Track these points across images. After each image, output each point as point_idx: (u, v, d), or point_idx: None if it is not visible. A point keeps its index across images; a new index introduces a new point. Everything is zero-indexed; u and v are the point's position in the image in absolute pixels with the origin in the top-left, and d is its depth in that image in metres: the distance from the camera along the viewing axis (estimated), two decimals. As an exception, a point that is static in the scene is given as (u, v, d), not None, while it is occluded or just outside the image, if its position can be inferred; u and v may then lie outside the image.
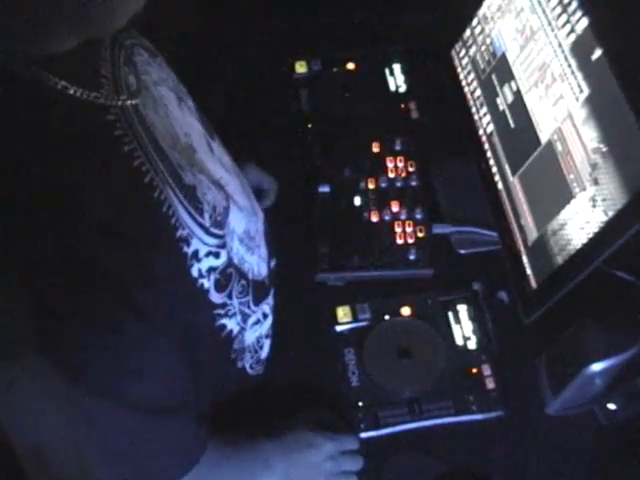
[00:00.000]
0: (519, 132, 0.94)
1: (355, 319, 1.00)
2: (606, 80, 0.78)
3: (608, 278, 0.89)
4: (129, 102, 0.66)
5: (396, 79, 1.22)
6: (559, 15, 0.87)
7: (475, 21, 1.06)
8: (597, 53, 0.80)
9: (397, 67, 1.22)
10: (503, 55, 0.99)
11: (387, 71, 1.22)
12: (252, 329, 0.83)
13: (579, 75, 0.83)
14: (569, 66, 0.85)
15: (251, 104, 1.18)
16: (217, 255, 0.72)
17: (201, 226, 0.69)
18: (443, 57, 1.14)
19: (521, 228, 0.92)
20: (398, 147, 1.14)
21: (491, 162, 1.00)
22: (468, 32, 1.08)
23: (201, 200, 0.71)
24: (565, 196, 0.84)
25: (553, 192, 0.86)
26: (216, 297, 0.72)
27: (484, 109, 1.03)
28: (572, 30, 0.84)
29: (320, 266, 1.04)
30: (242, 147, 0.95)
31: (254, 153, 1.09)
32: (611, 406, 0.90)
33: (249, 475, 0.85)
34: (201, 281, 0.69)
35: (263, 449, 0.86)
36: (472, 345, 0.98)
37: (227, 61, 1.22)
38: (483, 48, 1.04)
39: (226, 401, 0.85)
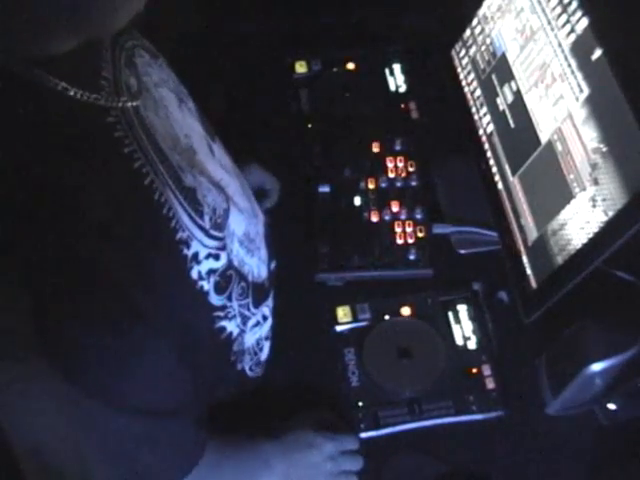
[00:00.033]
0: (519, 132, 0.94)
1: (355, 319, 1.00)
2: (606, 80, 0.78)
3: (608, 278, 0.89)
4: (129, 104, 0.66)
5: (396, 79, 1.22)
6: (559, 15, 0.87)
7: (475, 21, 1.06)
8: (597, 53, 0.80)
9: (397, 67, 1.23)
10: (503, 55, 0.99)
11: (387, 71, 1.22)
12: (252, 331, 0.82)
13: (579, 75, 0.83)
14: (569, 66, 0.85)
15: (251, 104, 1.18)
16: (217, 257, 0.72)
17: (201, 228, 0.69)
18: (443, 57, 1.14)
19: (521, 228, 0.92)
20: (398, 147, 1.14)
21: (491, 162, 1.00)
22: (468, 32, 1.08)
23: (201, 202, 0.70)
24: (565, 196, 0.84)
25: (553, 192, 0.86)
26: (216, 299, 0.72)
27: (484, 109, 1.03)
28: (572, 30, 0.84)
29: (320, 266, 1.04)
30: (242, 147, 0.95)
31: (254, 153, 1.09)
32: (611, 406, 0.90)
33: (249, 475, 0.85)
34: (201, 283, 0.69)
35: (263, 449, 0.86)
36: (472, 345, 0.98)
37: (227, 61, 1.22)
38: (483, 48, 1.04)
39: (226, 402, 0.85)
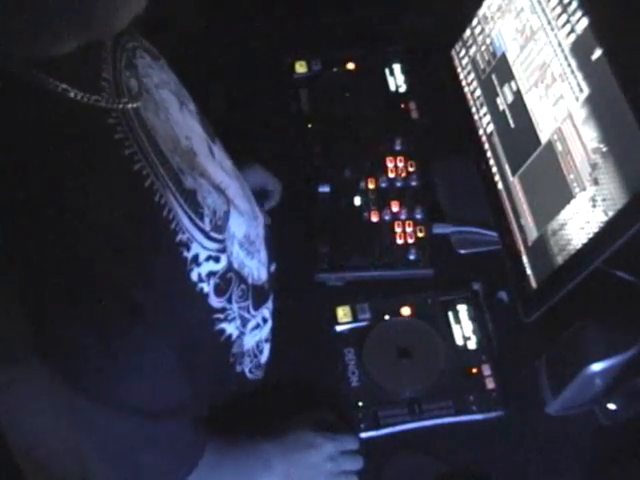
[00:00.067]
0: (519, 132, 0.94)
1: (355, 319, 1.00)
2: (606, 80, 0.78)
3: (608, 278, 0.89)
4: (130, 105, 0.66)
5: (396, 79, 1.22)
6: (559, 15, 0.87)
7: (475, 21, 1.06)
8: (597, 53, 0.80)
9: (397, 67, 1.22)
10: (503, 55, 0.99)
11: (387, 71, 1.22)
12: (251, 334, 0.82)
13: (579, 75, 0.83)
14: (569, 66, 0.85)
15: (251, 104, 1.18)
16: (217, 259, 0.72)
17: (201, 230, 0.69)
18: (443, 57, 1.14)
19: (521, 228, 0.92)
20: (398, 147, 1.14)
21: (491, 162, 1.00)
22: (468, 32, 1.08)
23: (201, 204, 0.70)
24: (565, 196, 0.84)
25: (553, 192, 0.86)
26: (215, 301, 0.72)
27: (484, 109, 1.03)
28: (572, 30, 0.84)
29: (320, 266, 1.04)
30: (242, 147, 0.95)
31: (254, 153, 1.09)
32: (611, 406, 0.90)
33: (249, 476, 0.85)
34: (201, 285, 0.69)
35: (263, 450, 0.86)
36: (472, 345, 0.98)
37: (227, 61, 1.22)
38: (483, 48, 1.04)
39: (226, 402, 0.85)
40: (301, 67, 1.23)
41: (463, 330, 0.99)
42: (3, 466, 0.64)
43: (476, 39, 1.06)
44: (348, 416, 0.93)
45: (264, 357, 0.89)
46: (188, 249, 0.67)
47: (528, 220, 0.91)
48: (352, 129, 1.16)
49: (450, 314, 1.00)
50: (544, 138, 0.89)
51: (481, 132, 1.03)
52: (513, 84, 0.96)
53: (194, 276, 0.68)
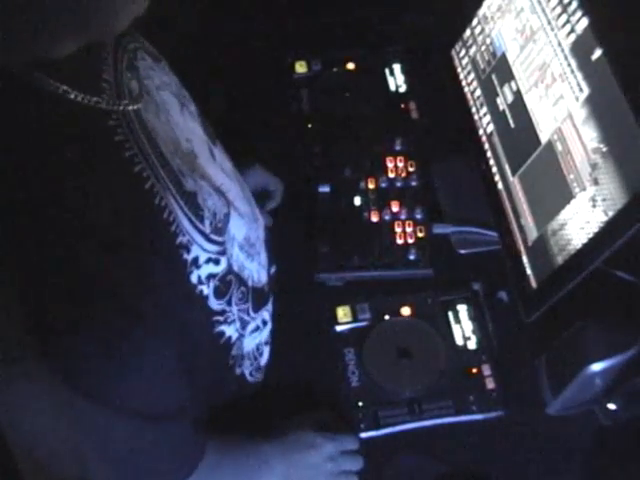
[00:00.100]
0: (519, 132, 0.94)
1: (355, 319, 1.00)
2: (606, 80, 0.78)
3: (608, 278, 0.89)
4: (131, 107, 0.66)
5: (396, 79, 1.22)
6: (559, 15, 0.87)
7: (475, 21, 1.06)
8: (597, 53, 0.80)
9: (397, 67, 1.22)
10: (503, 55, 0.99)
11: (387, 71, 1.22)
12: (251, 336, 0.82)
13: (579, 75, 0.83)
14: (569, 66, 0.85)
15: (251, 104, 1.18)
16: (217, 262, 0.72)
17: (201, 233, 0.69)
18: (443, 57, 1.14)
19: (521, 228, 0.92)
20: (398, 147, 1.14)
21: (491, 162, 1.00)
22: (468, 32, 1.08)
23: (202, 206, 0.70)
24: (565, 196, 0.84)
25: (553, 192, 0.86)
26: (215, 304, 0.72)
27: (484, 109, 1.03)
28: (572, 30, 0.84)
29: (320, 266, 1.04)
30: (242, 147, 0.95)
31: (254, 153, 1.09)
32: (611, 406, 0.90)
33: (249, 476, 0.85)
34: (200, 287, 0.69)
35: (263, 450, 0.86)
36: (472, 345, 0.98)
37: (227, 61, 1.22)
38: (483, 48, 1.04)
39: (226, 403, 0.85)
40: (301, 67, 1.23)
41: (463, 330, 0.99)
42: (3, 466, 0.64)
43: (476, 39, 1.06)
44: (348, 416, 0.93)
45: (264, 360, 0.89)
46: (188, 251, 0.67)
47: (528, 220, 0.91)
48: (352, 129, 1.16)
49: (450, 314, 1.00)
50: (544, 138, 0.89)
51: (481, 132, 1.03)
52: (513, 84, 0.96)
53: (194, 278, 0.68)
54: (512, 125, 0.96)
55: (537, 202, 0.90)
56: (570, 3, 0.85)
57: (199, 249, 0.68)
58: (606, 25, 0.80)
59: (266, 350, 0.89)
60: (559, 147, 0.86)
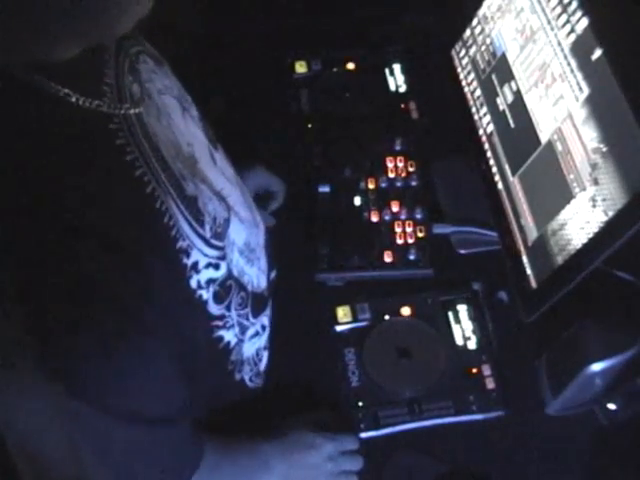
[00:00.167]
0: (519, 132, 0.94)
1: (355, 319, 1.00)
2: (606, 80, 0.78)
3: (608, 278, 0.89)
4: (132, 111, 0.65)
5: (396, 79, 1.22)
6: (559, 15, 0.87)
7: (475, 21, 1.06)
8: (597, 53, 0.80)
9: (397, 67, 1.23)
10: (503, 55, 0.99)
11: (387, 71, 1.22)
12: (251, 341, 0.82)
13: (579, 75, 0.83)
14: (569, 66, 0.85)
15: (251, 104, 1.18)
16: (217, 267, 0.71)
17: (201, 237, 0.69)
18: (443, 57, 1.14)
19: (521, 228, 0.92)
20: (398, 147, 1.14)
21: (491, 162, 1.00)
22: (468, 32, 1.08)
23: (202, 211, 0.70)
24: (565, 196, 0.84)
25: (553, 192, 0.86)
26: (215, 309, 0.72)
27: (484, 109, 1.03)
28: (572, 30, 0.84)
29: (320, 266, 1.04)
30: (242, 147, 0.95)
31: (254, 153, 1.09)
32: (611, 406, 0.90)
33: (248, 477, 0.85)
34: (200, 292, 0.69)
35: (262, 450, 0.86)
36: (472, 345, 0.98)
37: (227, 61, 1.22)
38: (483, 48, 1.04)
39: (225, 407, 0.85)
40: (301, 67, 1.23)
41: (463, 330, 0.99)
42: (1, 468, 0.64)
43: (476, 39, 1.06)
44: (348, 416, 0.93)
45: (263, 365, 0.89)
46: (188, 256, 0.66)
47: (528, 220, 0.91)
48: (352, 129, 1.16)
49: (450, 314, 1.00)
50: (544, 138, 0.89)
51: (481, 132, 1.03)
52: (513, 84, 0.96)
53: (193, 283, 0.67)
54: (512, 125, 0.96)
55: (537, 202, 0.90)
56: (570, 3, 0.85)
57: (199, 254, 0.68)
58: (606, 25, 0.80)
59: (265, 355, 0.89)
60: (559, 147, 0.86)
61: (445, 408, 0.93)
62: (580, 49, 0.83)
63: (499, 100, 0.99)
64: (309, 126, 1.18)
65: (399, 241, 1.06)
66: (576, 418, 0.92)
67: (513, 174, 0.94)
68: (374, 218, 1.08)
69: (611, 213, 0.77)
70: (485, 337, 0.98)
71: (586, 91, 0.82)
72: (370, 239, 1.06)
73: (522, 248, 0.92)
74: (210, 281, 0.70)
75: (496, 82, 1.00)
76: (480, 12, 1.05)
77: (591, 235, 0.79)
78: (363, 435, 0.92)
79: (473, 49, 1.06)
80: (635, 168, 0.74)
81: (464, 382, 0.95)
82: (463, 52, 1.09)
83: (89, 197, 0.58)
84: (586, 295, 0.83)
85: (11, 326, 0.55)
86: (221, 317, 0.73)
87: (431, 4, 1.22)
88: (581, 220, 0.81)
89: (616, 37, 0.79)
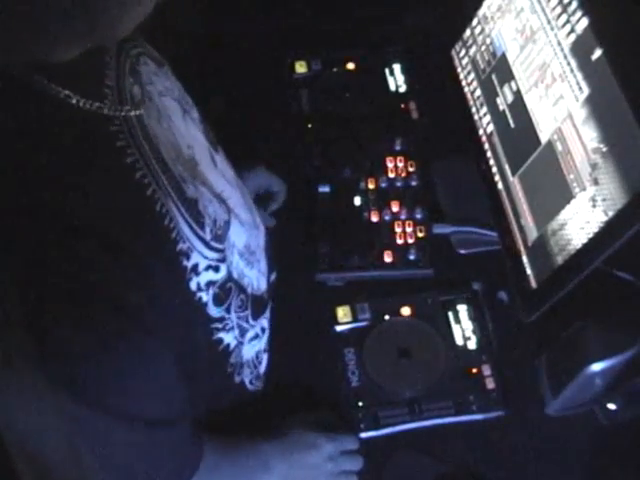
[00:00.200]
0: (519, 132, 0.94)
1: (355, 319, 1.00)
2: (606, 80, 0.78)
3: (608, 278, 0.89)
4: (132, 113, 0.65)
5: (396, 79, 1.22)
6: (559, 15, 0.87)
7: (475, 21, 1.06)
8: (597, 53, 0.80)
9: (397, 67, 1.22)
10: (503, 55, 0.98)
11: (387, 71, 1.22)
12: (250, 344, 0.82)
13: (579, 75, 0.83)
14: (569, 66, 0.85)
15: (251, 104, 1.18)
16: (217, 269, 0.71)
17: (201, 240, 0.69)
18: (443, 57, 1.14)
19: (521, 228, 0.92)
20: (398, 147, 1.14)
21: (491, 162, 1.00)
22: (468, 32, 1.08)
23: (202, 213, 0.70)
24: (565, 196, 0.84)
25: (553, 192, 0.86)
26: (214, 311, 0.72)
27: (484, 109, 1.03)
28: (572, 30, 0.84)
29: (320, 266, 1.04)
30: (242, 147, 0.95)
31: (254, 153, 1.09)
32: (611, 406, 0.90)
33: (248, 477, 0.85)
34: (199, 295, 0.69)
35: (262, 450, 0.86)
36: (472, 345, 0.98)
37: (227, 61, 1.22)
38: (483, 48, 1.04)
39: (225, 410, 0.85)
40: (301, 67, 1.23)
41: (463, 330, 0.99)
42: (1, 469, 0.64)
43: (476, 39, 1.06)
44: (348, 416, 0.93)
45: (263, 367, 0.89)
46: (188, 258, 0.66)
47: (528, 220, 0.91)
48: (352, 129, 1.16)
49: (450, 314, 1.00)
50: (544, 138, 0.89)
51: (481, 132, 1.03)
52: (513, 84, 0.96)
53: (193, 285, 0.67)
54: (512, 125, 0.96)
55: (537, 202, 0.90)
56: (570, 3, 0.85)
57: (199, 256, 0.68)
58: (606, 25, 0.80)
59: (265, 358, 0.89)
60: (559, 147, 0.86)
61: (445, 408, 0.93)
62: (580, 49, 0.83)
63: (499, 100, 0.99)
64: (309, 126, 1.17)
65: (399, 241, 1.06)
66: (576, 418, 0.92)
67: (513, 174, 0.94)
68: (374, 218, 1.08)
69: (611, 213, 0.77)
70: (485, 337, 0.98)
71: (586, 91, 0.82)
72: (370, 239, 1.06)
73: (522, 248, 0.92)
74: (210, 283, 0.70)
75: (496, 82, 1.00)
76: (480, 12, 1.05)
77: (591, 235, 0.79)
78: (363, 435, 0.92)
79: (473, 49, 1.06)
80: (635, 168, 0.74)
81: (464, 382, 0.95)
82: (463, 52, 1.09)
83: (89, 197, 0.58)
84: (586, 295, 0.83)
85: (11, 326, 0.55)
86: (221, 319, 0.73)
87: (431, 4, 1.22)
88: (581, 220, 0.81)
89: (616, 37, 0.79)
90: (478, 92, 1.05)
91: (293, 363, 0.95)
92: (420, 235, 1.06)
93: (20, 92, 0.57)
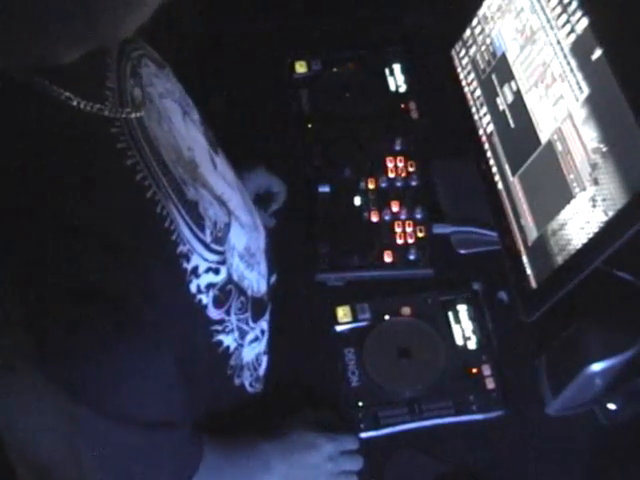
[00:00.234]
0: (519, 132, 0.94)
1: (355, 319, 1.00)
2: (606, 80, 0.78)
3: (608, 278, 0.89)
4: (133, 115, 0.65)
5: (396, 79, 1.22)
6: (559, 15, 0.87)
7: (475, 21, 1.06)
8: (597, 53, 0.80)
9: (397, 67, 1.22)
10: (503, 55, 0.99)
11: (387, 71, 1.22)
12: (250, 346, 0.82)
13: (579, 75, 0.83)
14: (569, 66, 0.85)
15: (251, 104, 1.18)
16: (217, 271, 0.71)
17: (202, 242, 0.69)
18: (443, 57, 1.14)
19: (521, 228, 0.92)
20: (398, 147, 1.14)
21: (491, 162, 1.00)
22: (468, 32, 1.08)
23: (203, 216, 0.70)
24: (565, 196, 0.84)
25: (553, 192, 0.86)
26: (214, 313, 0.72)
27: (484, 109, 1.03)
28: (572, 30, 0.84)
29: (320, 266, 1.04)
30: (242, 148, 0.95)
31: (254, 153, 1.09)
32: (611, 406, 0.90)
33: (248, 477, 0.85)
34: (199, 297, 0.69)
35: (262, 450, 0.86)
36: (472, 345, 0.98)
37: (227, 61, 1.22)
38: (483, 48, 1.04)
39: (225, 412, 0.85)
40: (301, 67, 1.23)
41: (463, 330, 0.99)
42: (1, 470, 0.64)
43: (476, 39, 1.06)
44: (348, 416, 0.93)
45: (262, 369, 0.89)
46: (188, 260, 0.66)
47: (528, 220, 0.91)
48: (352, 129, 1.16)
49: (450, 314, 1.00)
50: (544, 138, 0.89)
51: (481, 132, 1.03)
52: (513, 84, 0.96)
53: (193, 287, 0.67)
54: (512, 125, 0.96)
55: (537, 202, 0.90)
56: (570, 3, 0.85)
57: (199, 258, 0.68)
58: (606, 25, 0.80)
59: (265, 360, 0.89)
60: (559, 147, 0.86)
61: (445, 408, 0.93)
62: (580, 49, 0.83)
63: (499, 100, 0.99)
64: (309, 126, 1.18)
65: (399, 241, 1.06)
66: (576, 418, 0.92)
67: (513, 174, 0.94)
68: (374, 218, 1.08)
69: (611, 213, 0.77)
70: (485, 337, 0.98)
71: (586, 91, 0.82)
72: (370, 239, 1.06)
73: (522, 248, 0.92)
74: (210, 286, 0.70)
75: (496, 82, 1.00)
76: (480, 12, 1.05)
77: (591, 235, 0.79)
78: (363, 435, 0.92)
79: (473, 49, 1.06)
80: (635, 168, 0.74)
81: (464, 382, 0.95)
82: (463, 52, 1.09)
83: (89, 198, 0.58)
84: (586, 295, 0.83)
85: (11, 326, 0.55)
86: (220, 322, 0.73)
87: (431, 4, 1.22)
88: (581, 220, 0.81)
89: (616, 37, 0.79)
90: (478, 92, 1.05)
91: (293, 363, 0.95)
92: (420, 235, 1.06)
93: (21, 93, 0.57)
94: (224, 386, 0.81)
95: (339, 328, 0.99)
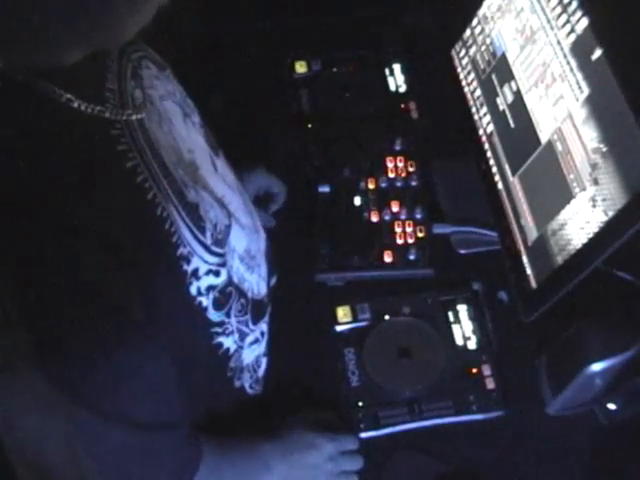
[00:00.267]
0: (519, 132, 0.94)
1: (355, 319, 1.00)
2: (606, 80, 0.78)
3: (608, 278, 0.89)
4: (134, 117, 0.65)
5: (396, 79, 1.22)
6: (559, 15, 0.87)
7: (475, 21, 1.06)
8: (597, 53, 0.80)
9: (397, 67, 1.22)
10: (503, 55, 0.98)
11: (387, 71, 1.22)
12: (250, 348, 0.82)
13: (579, 75, 0.83)
14: (569, 65, 0.85)
15: (251, 104, 1.18)
16: (217, 273, 0.71)
17: (202, 244, 0.69)
18: (443, 57, 1.14)
19: (521, 228, 0.92)
20: (398, 147, 1.14)
21: (491, 162, 1.00)
22: (468, 32, 1.08)
23: (203, 218, 0.70)
24: (565, 196, 0.84)
25: (553, 192, 0.86)
26: (214, 315, 0.72)
27: (484, 109, 1.03)
28: (572, 30, 0.84)
29: (320, 266, 1.04)
30: (241, 148, 0.95)
31: (254, 154, 1.09)
32: (611, 406, 0.90)
33: (249, 477, 0.85)
34: (199, 299, 0.69)
35: (262, 450, 0.86)
36: (472, 345, 0.98)
37: (227, 61, 1.22)
38: (483, 48, 1.04)
39: (225, 414, 0.85)
40: (301, 67, 1.23)
41: (463, 330, 0.99)
42: (1, 471, 0.64)
43: (476, 39, 1.06)
44: (348, 416, 0.93)
45: (262, 371, 0.89)
46: (188, 262, 0.66)
47: (528, 220, 0.91)
48: (352, 129, 1.16)
49: (450, 314, 1.00)
50: (544, 138, 0.89)
51: (481, 132, 1.03)
52: (513, 84, 0.96)
53: (193, 290, 0.67)
54: (512, 125, 0.96)
55: (537, 202, 0.90)
56: (570, 3, 0.85)
57: (199, 260, 0.68)
58: (606, 25, 0.80)
59: (264, 362, 0.89)
60: (559, 147, 0.86)
61: (445, 408, 0.93)
62: (580, 49, 0.83)
63: (499, 100, 0.99)
64: (309, 126, 1.18)
65: (399, 241, 1.06)
66: (576, 418, 0.92)
67: (513, 174, 0.94)
68: (374, 218, 1.08)
69: (611, 213, 0.77)
70: (485, 337, 0.98)
71: (586, 91, 0.82)
72: (370, 239, 1.06)
73: (522, 248, 0.92)
74: (210, 288, 0.70)
75: (496, 82, 1.00)
76: (480, 12, 1.05)
77: (591, 235, 0.79)
78: (363, 435, 0.92)
79: (473, 49, 1.06)
80: (635, 168, 0.74)
81: (464, 382, 0.95)
82: (463, 52, 1.09)
83: (89, 198, 0.58)
84: (586, 295, 0.83)
85: (11, 326, 0.55)
86: (221, 324, 0.73)
87: (431, 4, 1.22)
88: (581, 220, 0.81)
89: (616, 37, 0.79)
90: (478, 92, 1.05)
91: (293, 363, 0.95)
92: (420, 235, 1.06)
93: (22, 95, 0.57)
94: (224, 388, 0.81)
95: (339, 328, 0.99)
